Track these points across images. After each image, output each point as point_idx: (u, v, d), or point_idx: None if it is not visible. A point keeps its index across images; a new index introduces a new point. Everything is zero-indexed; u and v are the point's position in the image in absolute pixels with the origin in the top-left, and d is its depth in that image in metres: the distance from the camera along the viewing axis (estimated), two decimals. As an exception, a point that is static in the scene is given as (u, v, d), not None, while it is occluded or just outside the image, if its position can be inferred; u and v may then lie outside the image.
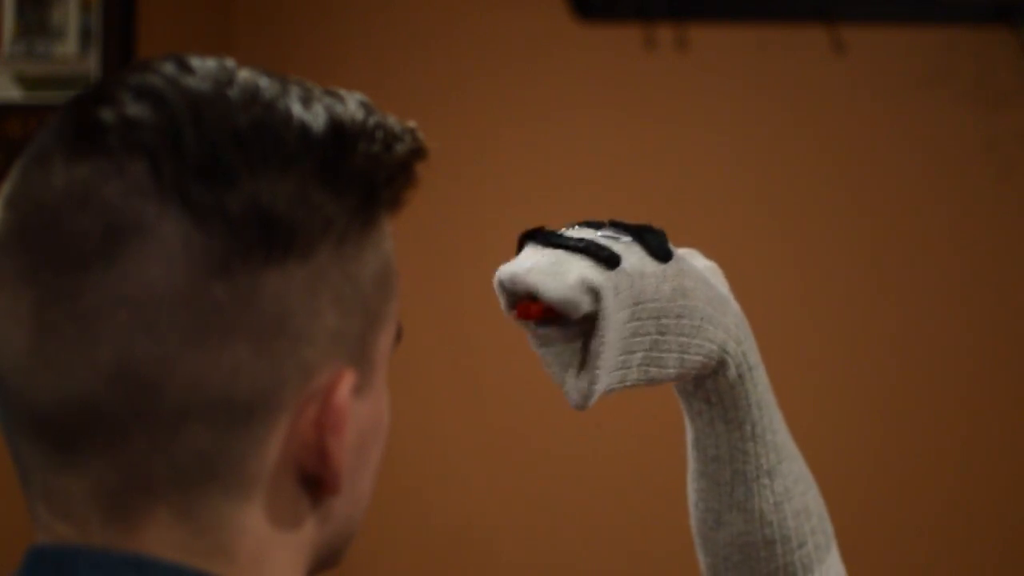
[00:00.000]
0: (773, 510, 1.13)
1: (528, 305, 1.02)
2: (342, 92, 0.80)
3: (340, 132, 0.78)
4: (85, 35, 2.71)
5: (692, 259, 1.14)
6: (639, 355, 1.05)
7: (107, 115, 0.75)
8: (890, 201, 2.78)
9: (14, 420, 0.77)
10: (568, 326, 1.04)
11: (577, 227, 1.08)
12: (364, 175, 0.78)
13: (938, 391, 2.76)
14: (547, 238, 1.05)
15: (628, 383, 1.06)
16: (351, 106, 0.79)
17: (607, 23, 2.87)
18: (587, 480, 2.88)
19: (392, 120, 0.80)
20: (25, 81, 2.70)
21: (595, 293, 1.02)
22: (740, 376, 1.11)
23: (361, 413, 0.80)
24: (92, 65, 2.71)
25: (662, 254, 1.07)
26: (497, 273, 1.04)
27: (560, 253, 1.03)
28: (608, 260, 1.03)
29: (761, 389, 1.12)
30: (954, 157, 2.76)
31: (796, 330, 2.80)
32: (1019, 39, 2.72)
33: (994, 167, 2.74)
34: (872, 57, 2.78)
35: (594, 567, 2.88)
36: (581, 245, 1.03)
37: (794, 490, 1.14)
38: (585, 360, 1.03)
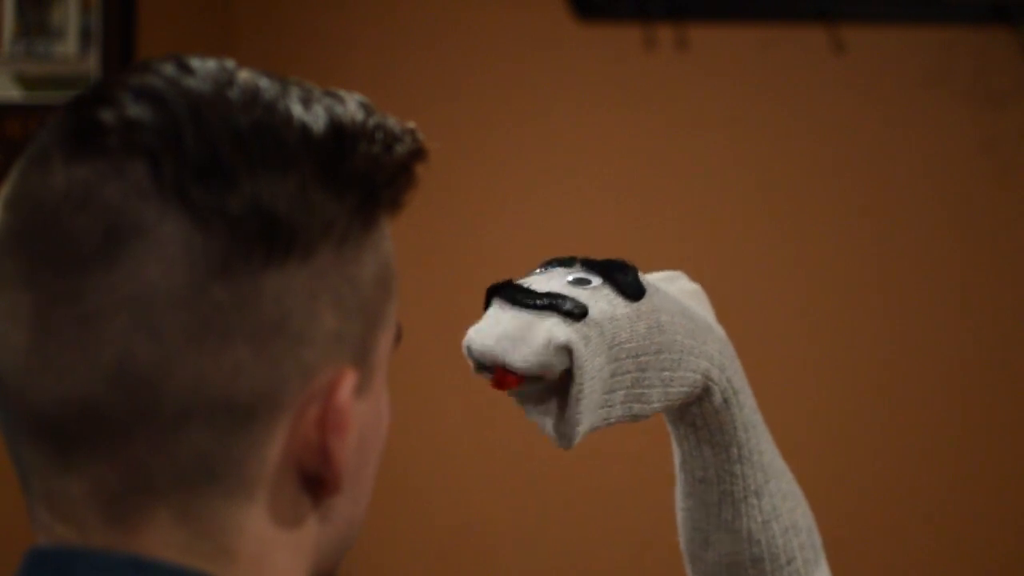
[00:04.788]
0: (761, 529, 1.13)
1: (503, 377, 1.03)
2: (342, 93, 0.80)
3: (340, 133, 0.78)
4: (85, 35, 2.71)
5: (675, 282, 1.14)
6: (620, 393, 1.06)
7: (107, 116, 0.75)
8: (889, 201, 2.78)
9: (14, 422, 0.77)
10: (544, 382, 1.04)
11: (548, 266, 1.08)
12: (364, 176, 0.78)
13: (937, 390, 2.76)
14: (512, 295, 1.04)
15: (612, 420, 1.06)
16: (351, 107, 0.79)
17: (607, 23, 2.87)
18: (588, 480, 2.88)
19: (392, 121, 0.80)
20: (25, 81, 2.70)
21: (566, 350, 1.02)
22: (725, 401, 1.11)
23: (362, 413, 0.80)
24: (92, 65, 2.71)
25: (633, 293, 1.06)
26: (465, 340, 1.04)
27: (524, 315, 1.03)
28: (573, 313, 1.03)
29: (747, 411, 1.12)
30: (953, 157, 2.76)
31: (795, 330, 2.80)
32: (1019, 39, 2.72)
33: (993, 167, 2.74)
34: (872, 57, 2.78)
35: (594, 567, 2.88)
36: (545, 303, 1.03)
37: (782, 507, 1.14)
38: (566, 405, 1.04)
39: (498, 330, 1.03)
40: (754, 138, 2.82)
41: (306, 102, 0.78)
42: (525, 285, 1.05)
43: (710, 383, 1.10)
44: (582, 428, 1.04)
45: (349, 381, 0.78)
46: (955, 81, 2.74)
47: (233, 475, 0.76)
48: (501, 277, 1.09)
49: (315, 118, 0.77)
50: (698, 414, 1.11)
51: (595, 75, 2.88)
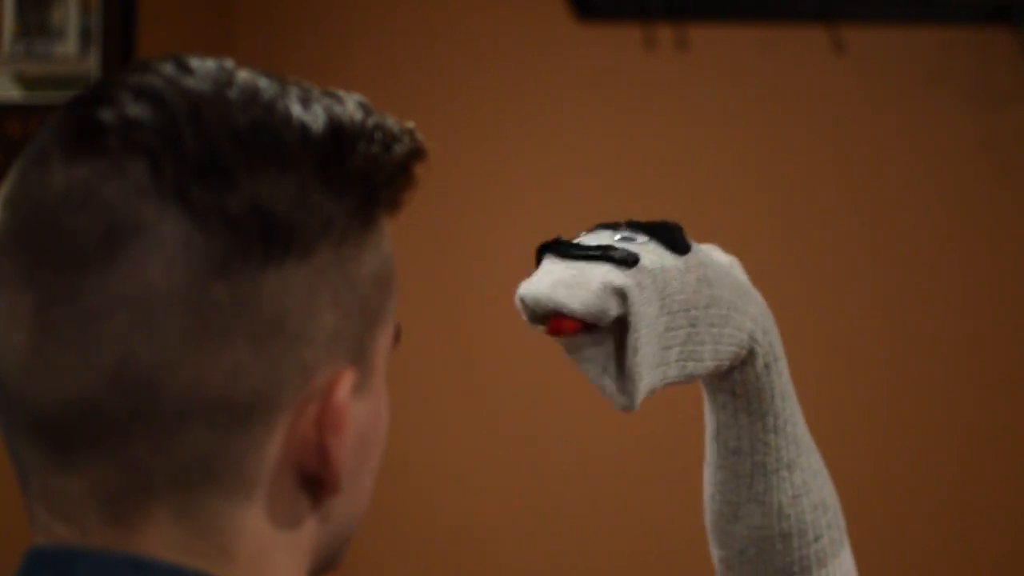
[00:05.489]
0: (791, 503, 1.13)
1: (560, 322, 1.03)
2: (341, 93, 0.80)
3: (339, 133, 0.78)
4: (85, 35, 2.71)
5: (712, 253, 1.15)
6: (675, 350, 1.06)
7: (107, 115, 0.75)
8: (889, 200, 2.78)
9: (13, 421, 0.77)
10: (598, 332, 1.04)
11: (594, 230, 1.09)
12: (363, 176, 0.78)
13: (937, 390, 2.76)
14: (563, 249, 1.05)
15: (668, 380, 1.06)
16: (350, 107, 0.79)
17: (607, 23, 2.87)
18: (588, 480, 2.88)
19: (391, 121, 0.80)
20: (25, 81, 2.70)
21: (620, 294, 1.03)
22: (766, 366, 1.12)
23: (360, 413, 0.80)
24: (92, 65, 2.71)
25: (680, 247, 1.08)
26: (519, 292, 1.04)
27: (578, 264, 1.04)
28: (626, 261, 1.04)
29: (784, 380, 1.13)
30: (953, 157, 2.76)
31: (795, 329, 2.80)
32: (1019, 39, 2.72)
33: (993, 167, 2.74)
34: (872, 57, 2.78)
35: (594, 567, 2.88)
36: (597, 252, 1.04)
37: (812, 483, 1.14)
38: (623, 359, 1.04)
39: (551, 279, 1.03)
40: (754, 138, 2.82)
41: (305, 102, 0.78)
42: (574, 241, 1.06)
43: (755, 344, 1.10)
44: (643, 384, 1.04)
45: (347, 380, 0.78)
46: (955, 81, 2.74)
47: (232, 474, 0.76)
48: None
49: (314, 118, 0.77)
50: (739, 380, 1.11)
51: (595, 75, 2.88)
